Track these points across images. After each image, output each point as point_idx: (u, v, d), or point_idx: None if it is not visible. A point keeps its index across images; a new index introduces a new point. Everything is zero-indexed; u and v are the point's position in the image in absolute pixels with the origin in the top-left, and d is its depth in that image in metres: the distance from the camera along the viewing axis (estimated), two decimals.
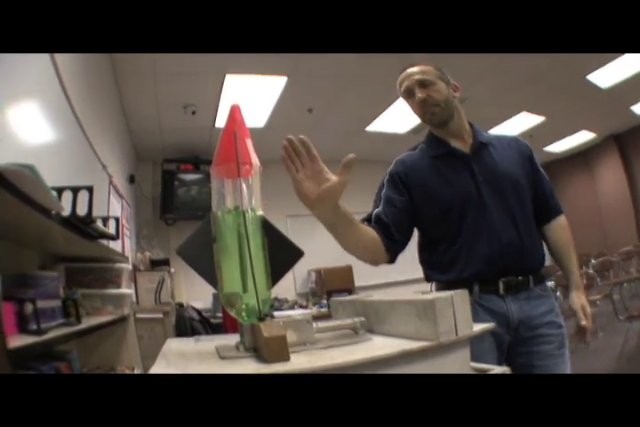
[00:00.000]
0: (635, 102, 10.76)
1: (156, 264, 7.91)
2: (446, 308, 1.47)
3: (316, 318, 5.54)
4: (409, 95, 2.62)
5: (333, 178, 1.84)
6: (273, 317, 1.57)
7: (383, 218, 2.49)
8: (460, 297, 1.52)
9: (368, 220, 2.54)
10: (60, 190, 2.44)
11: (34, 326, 1.88)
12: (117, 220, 3.61)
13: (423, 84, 2.55)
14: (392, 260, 2.54)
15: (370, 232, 2.41)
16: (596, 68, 8.47)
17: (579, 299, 2.61)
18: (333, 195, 1.88)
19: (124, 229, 7.11)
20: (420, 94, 2.54)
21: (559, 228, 2.72)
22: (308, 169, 1.83)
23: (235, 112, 1.66)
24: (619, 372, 5.53)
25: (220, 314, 7.02)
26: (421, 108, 2.57)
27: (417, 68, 2.61)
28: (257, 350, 1.47)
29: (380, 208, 2.54)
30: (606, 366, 5.96)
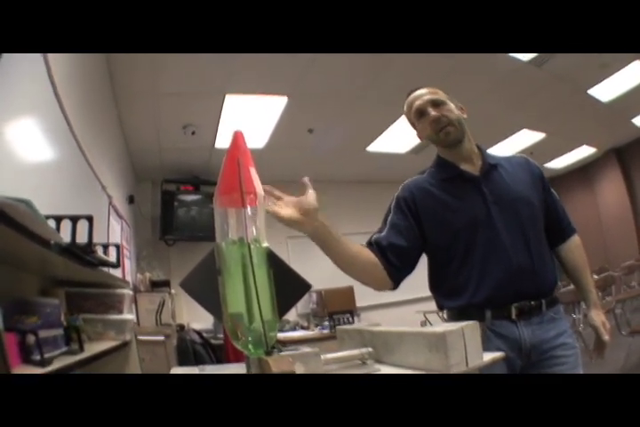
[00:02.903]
0: (636, 115, 10.76)
1: (156, 285, 7.90)
2: (457, 340, 1.46)
3: (318, 339, 5.55)
4: (421, 115, 2.58)
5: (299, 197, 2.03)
6: (280, 350, 1.54)
7: (382, 242, 2.46)
8: (471, 329, 1.52)
9: (370, 244, 2.51)
10: (59, 219, 2.43)
11: (37, 357, 1.86)
12: (118, 247, 3.59)
13: (435, 103, 2.53)
14: (394, 286, 2.51)
15: (367, 253, 2.41)
16: (598, 82, 8.49)
17: (598, 316, 2.60)
18: (311, 204, 2.04)
19: (124, 250, 7.09)
20: (433, 112, 2.51)
21: (575, 248, 2.71)
22: (280, 202, 2.04)
23: (238, 139, 1.63)
24: None
25: (221, 335, 7.01)
26: (435, 126, 2.53)
27: (426, 90, 2.59)
28: None
29: (383, 233, 2.51)
30: None
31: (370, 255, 2.40)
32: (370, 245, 2.49)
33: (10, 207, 1.48)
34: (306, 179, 2.05)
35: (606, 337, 2.54)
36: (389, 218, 2.57)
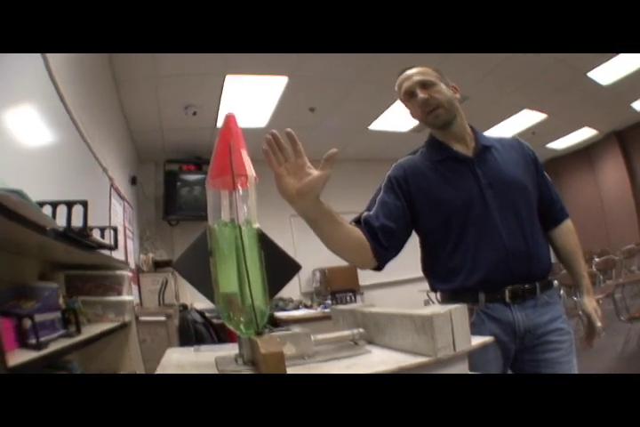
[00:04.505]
0: (635, 99, 10.68)
1: (159, 265, 7.90)
2: (444, 323, 1.46)
3: (320, 318, 5.56)
4: (410, 96, 2.54)
5: (314, 172, 1.85)
6: (272, 329, 1.56)
7: (372, 222, 2.40)
8: (459, 312, 1.51)
9: (357, 222, 2.45)
10: (54, 205, 2.44)
11: (33, 341, 1.87)
12: (115, 229, 3.59)
13: (424, 84, 2.49)
14: (380, 266, 2.46)
15: (356, 232, 2.34)
16: (597, 65, 8.43)
17: (590, 302, 2.59)
18: (314, 188, 1.88)
19: (127, 231, 7.10)
20: (421, 94, 2.47)
21: (567, 232, 2.69)
22: (291, 163, 1.86)
23: (229, 122, 1.64)
24: (618, 372, 5.53)
25: None
26: (424, 109, 2.50)
27: (416, 70, 2.55)
28: (255, 363, 1.46)
29: (371, 212, 2.46)
30: (606, 366, 5.99)
31: (360, 235, 2.33)
32: (357, 223, 2.44)
33: (2, 198, 1.50)
34: (333, 151, 1.83)
35: (599, 323, 2.54)
36: (379, 197, 2.52)
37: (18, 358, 1.64)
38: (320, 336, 1.65)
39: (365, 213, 2.46)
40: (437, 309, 1.53)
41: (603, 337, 2.57)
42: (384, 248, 2.38)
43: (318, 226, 2.13)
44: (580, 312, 2.65)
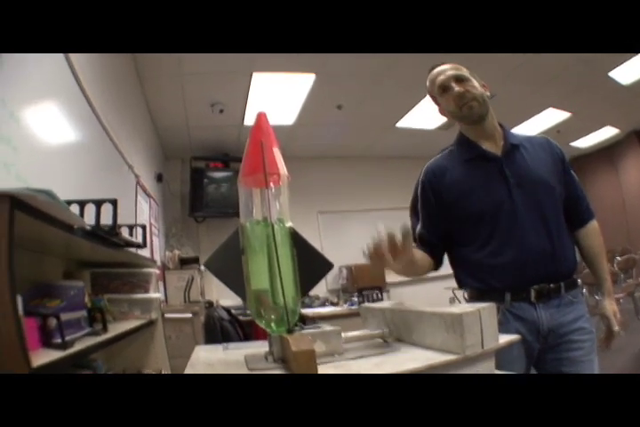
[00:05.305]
0: None
1: (185, 262, 7.93)
2: (473, 322, 1.47)
3: (346, 315, 5.55)
4: (444, 90, 2.54)
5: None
6: (302, 328, 1.57)
7: (426, 237, 2.62)
8: (488, 311, 1.53)
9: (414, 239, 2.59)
10: (82, 203, 2.46)
11: (58, 340, 1.86)
12: (144, 227, 3.58)
13: (459, 79, 2.50)
14: (437, 268, 2.71)
15: (425, 259, 2.59)
16: (618, 65, 8.38)
17: (611, 305, 2.59)
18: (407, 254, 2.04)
19: (153, 227, 7.11)
20: (457, 88, 2.47)
21: (593, 232, 2.68)
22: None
23: (260, 120, 1.64)
24: (636, 371, 5.59)
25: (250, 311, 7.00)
26: (459, 102, 2.50)
27: (449, 65, 2.56)
28: (285, 361, 1.46)
29: (422, 228, 2.63)
30: (624, 365, 5.94)
31: (426, 258, 2.58)
32: (414, 239, 2.57)
33: (29, 197, 1.52)
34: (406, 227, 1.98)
35: (617, 328, 2.55)
36: (420, 208, 2.65)
37: (42, 358, 1.64)
38: (350, 334, 1.68)
39: (419, 231, 2.65)
40: (467, 307, 1.55)
41: (622, 336, 2.57)
42: (439, 257, 2.65)
43: (405, 272, 2.42)
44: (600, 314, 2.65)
